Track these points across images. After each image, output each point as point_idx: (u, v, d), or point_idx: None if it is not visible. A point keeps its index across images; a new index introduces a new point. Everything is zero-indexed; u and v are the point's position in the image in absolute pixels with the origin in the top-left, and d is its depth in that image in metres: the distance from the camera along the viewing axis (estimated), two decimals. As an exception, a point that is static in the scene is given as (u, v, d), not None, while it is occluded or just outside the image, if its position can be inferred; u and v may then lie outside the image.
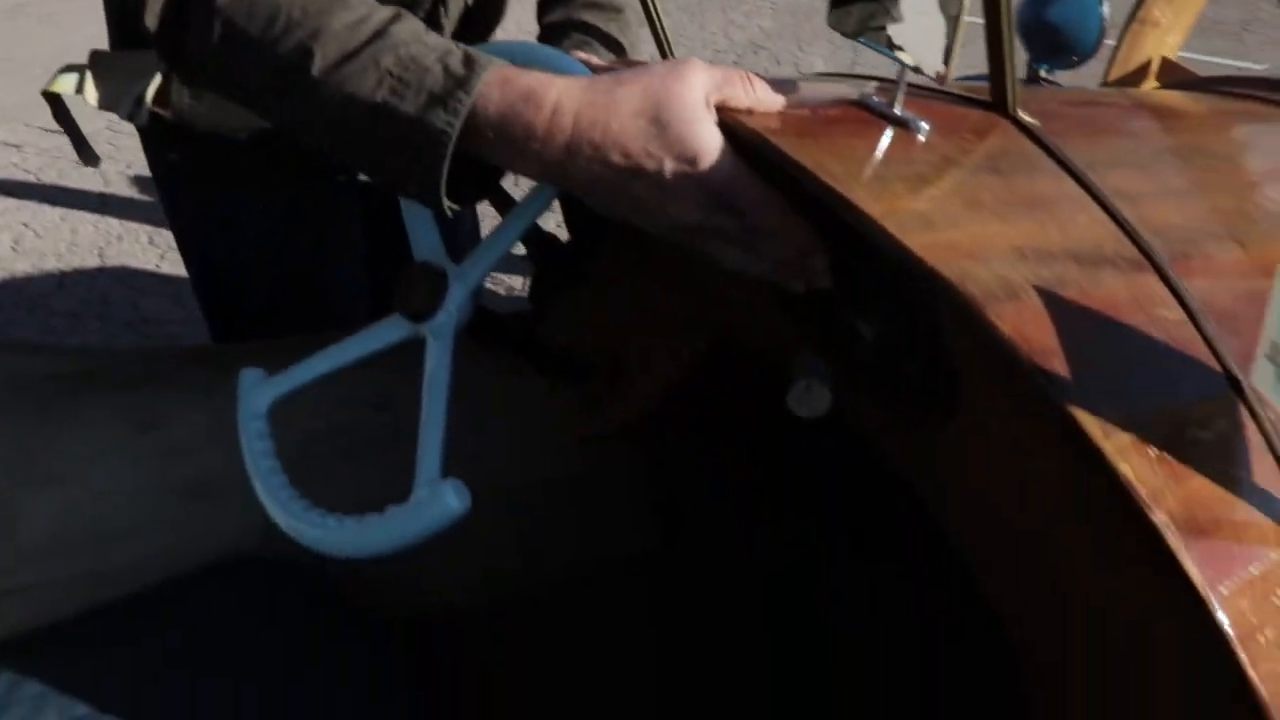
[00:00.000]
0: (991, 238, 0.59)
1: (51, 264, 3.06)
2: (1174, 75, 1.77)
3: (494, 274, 2.89)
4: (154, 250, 3.10)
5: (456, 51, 0.68)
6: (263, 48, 0.71)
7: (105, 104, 1.15)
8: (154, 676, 0.98)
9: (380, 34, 0.68)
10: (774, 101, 0.68)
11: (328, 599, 1.05)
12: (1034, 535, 0.67)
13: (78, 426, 1.08)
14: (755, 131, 0.64)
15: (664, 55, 1.09)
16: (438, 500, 0.73)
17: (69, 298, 2.89)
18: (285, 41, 0.70)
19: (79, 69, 1.15)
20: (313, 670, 1.00)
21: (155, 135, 1.23)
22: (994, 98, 0.77)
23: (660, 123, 0.65)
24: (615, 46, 1.12)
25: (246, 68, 0.73)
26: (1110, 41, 1.91)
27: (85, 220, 3.29)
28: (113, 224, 3.26)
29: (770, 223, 0.68)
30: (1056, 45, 1.98)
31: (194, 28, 0.73)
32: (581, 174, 0.67)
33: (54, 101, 1.16)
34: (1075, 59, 2.01)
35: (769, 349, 0.87)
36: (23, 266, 3.05)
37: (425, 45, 0.68)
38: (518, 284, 2.90)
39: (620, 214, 0.70)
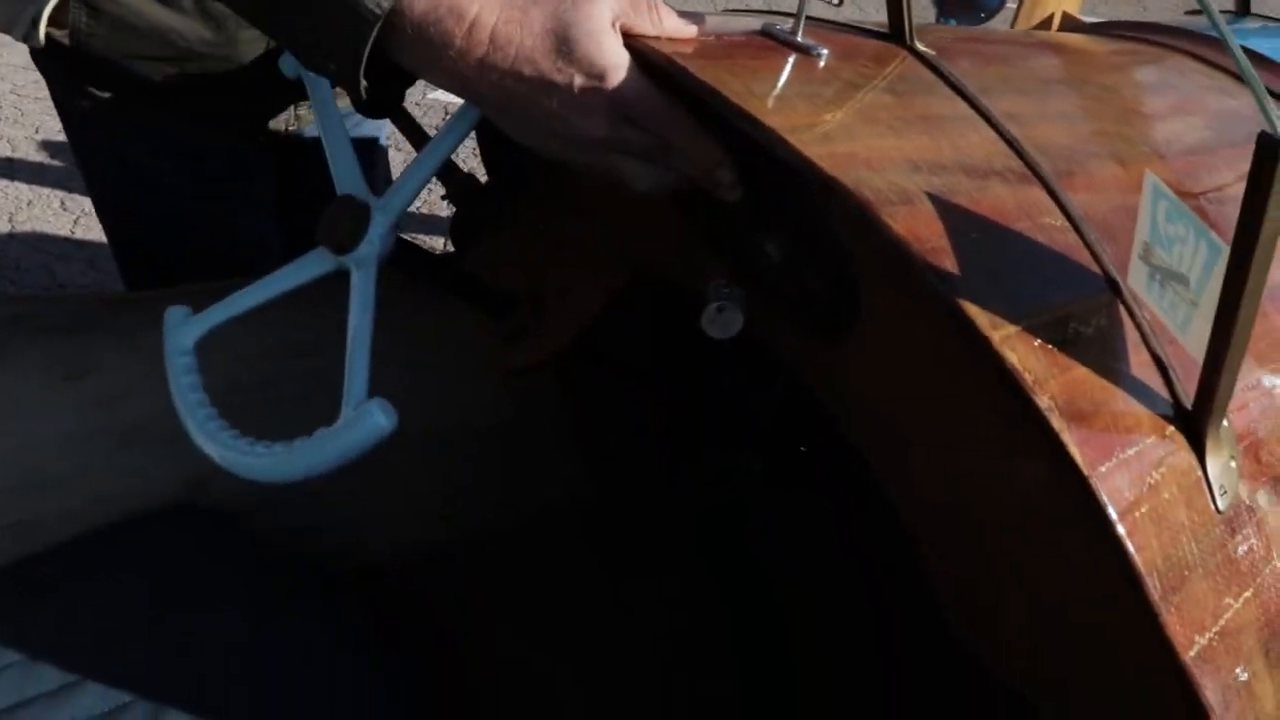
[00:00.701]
0: (887, 150, 0.63)
1: (-41, 231, 2.99)
2: (1074, 27, 1.83)
3: (413, 234, 2.89)
4: (67, 215, 3.04)
5: None
6: None
7: (0, 26, 1.14)
8: (87, 626, 0.96)
9: None
10: (679, 29, 0.71)
11: (262, 550, 1.05)
12: (937, 444, 0.72)
13: (0, 374, 1.07)
14: (661, 53, 0.67)
15: None
16: (365, 418, 0.75)
17: (-20, 265, 2.83)
18: None
19: None
20: (248, 629, 0.99)
21: (52, 63, 1.21)
22: (892, 29, 0.82)
23: (569, 39, 0.68)
24: None
25: None
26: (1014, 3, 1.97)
27: (-7, 186, 3.22)
28: (22, 189, 3.19)
29: (676, 133, 0.71)
30: (962, 1, 2.03)
31: None
32: (493, 90, 0.70)
33: None
34: (983, 15, 2.06)
35: (685, 278, 0.90)
36: (-72, 234, 2.98)
37: None
38: (439, 245, 2.90)
39: (530, 135, 0.73)
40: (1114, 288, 0.63)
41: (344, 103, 1.29)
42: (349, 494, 0.82)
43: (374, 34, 0.68)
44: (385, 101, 0.85)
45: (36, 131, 3.44)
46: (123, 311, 1.13)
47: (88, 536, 1.03)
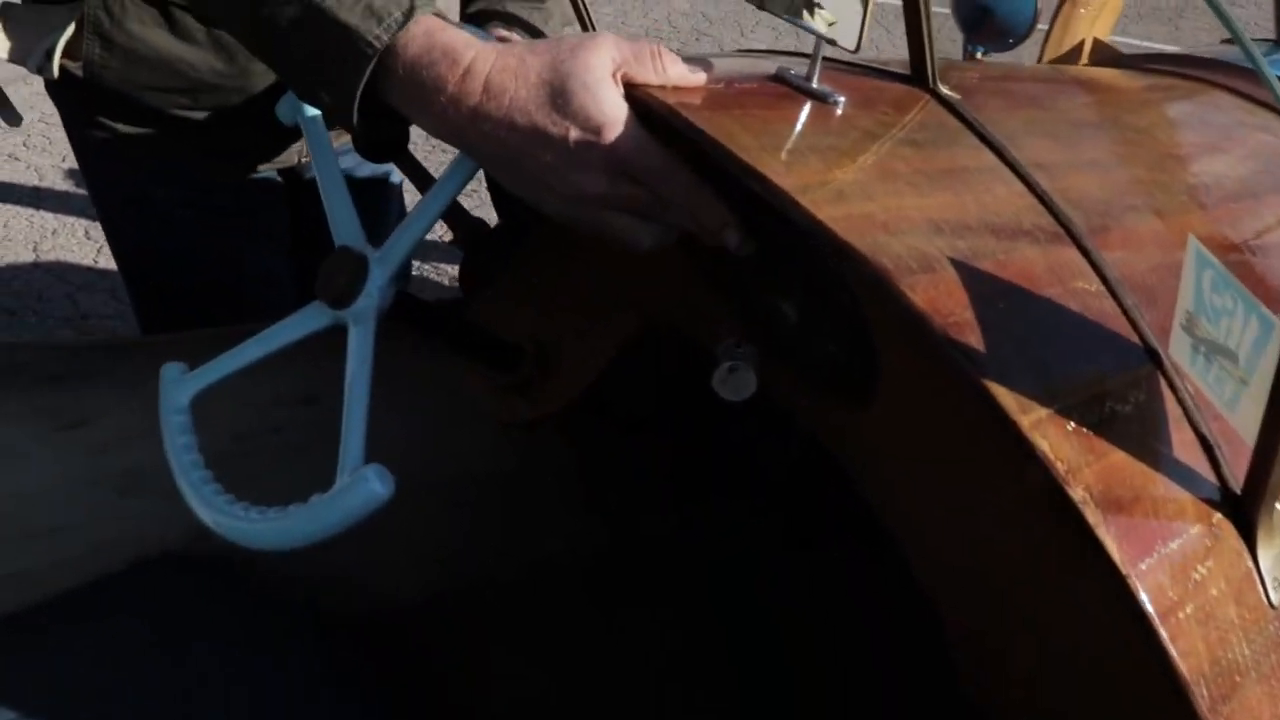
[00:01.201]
0: (907, 210, 0.59)
1: (-16, 260, 2.99)
2: (1106, 56, 1.78)
3: (435, 264, 2.87)
4: (90, 245, 3.04)
5: None
6: None
7: (15, 56, 1.14)
8: (82, 676, 0.94)
9: None
10: (685, 77, 0.67)
11: (261, 597, 1.03)
12: (954, 506, 0.67)
13: (-7, 423, 1.05)
14: (665, 104, 0.63)
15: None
16: (361, 486, 0.71)
17: (4, 294, 2.83)
18: None
19: None
20: (247, 672, 0.98)
21: (65, 93, 1.21)
22: (913, 71, 0.77)
23: (566, 91, 0.64)
24: (536, 36, 1.12)
25: None
26: (1044, 25, 1.92)
27: (19, 214, 3.22)
28: (47, 218, 3.19)
29: (679, 191, 0.67)
30: (990, 28, 1.99)
31: None
32: (485, 140, 0.67)
33: None
34: (1011, 41, 2.02)
35: (695, 332, 0.86)
36: (-47, 263, 2.98)
37: None
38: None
39: (522, 188, 0.70)
40: (1154, 359, 0.58)
41: (346, 140, 1.27)
42: (347, 542, 0.80)
43: (370, 68, 0.66)
44: (383, 141, 0.83)
45: (63, 160, 3.45)
46: (121, 359, 1.11)
47: (84, 587, 1.00)
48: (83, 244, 3.05)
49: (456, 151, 0.74)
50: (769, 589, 1.14)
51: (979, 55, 2.07)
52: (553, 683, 1.10)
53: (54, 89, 1.22)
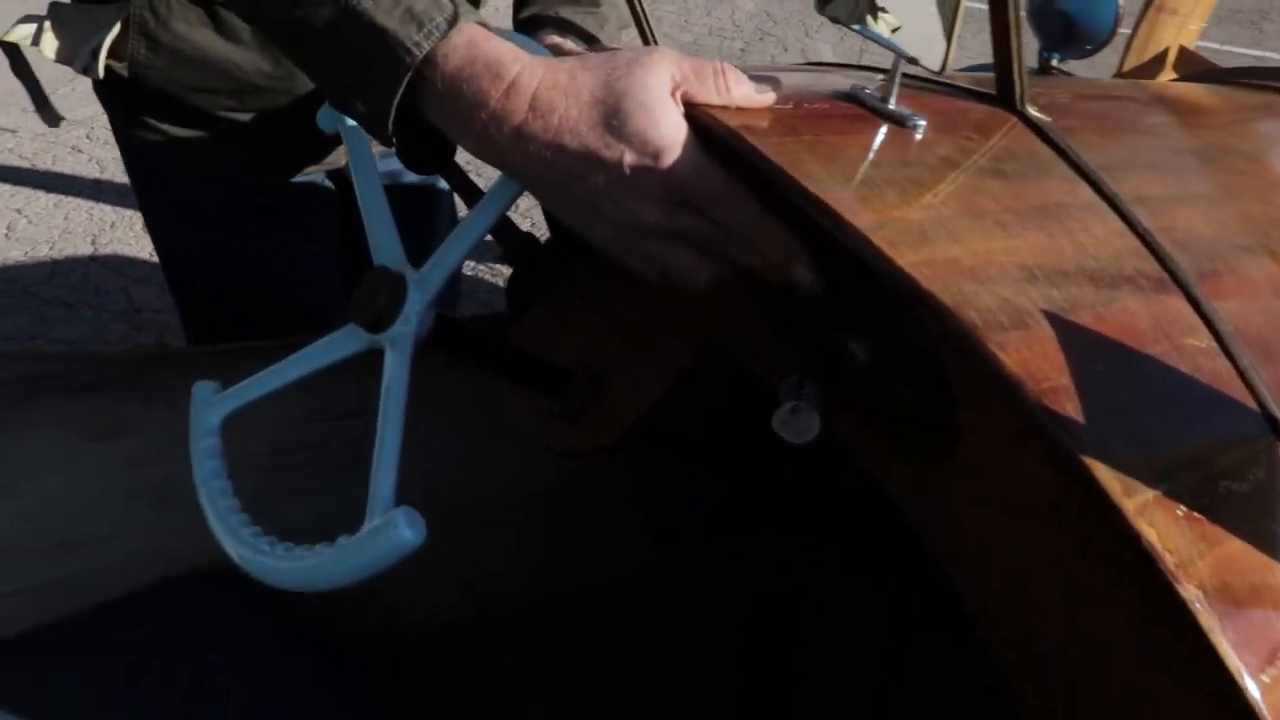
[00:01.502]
0: (996, 254, 0.53)
1: (44, 252, 3.01)
2: (1192, 65, 1.69)
3: (490, 264, 2.83)
4: (147, 238, 3.00)
5: None
6: None
7: (62, 57, 1.13)
8: (101, 697, 0.94)
9: None
10: (750, 97, 0.61)
11: (282, 619, 1.01)
12: (1034, 581, 0.61)
13: (28, 433, 1.04)
14: (727, 126, 0.57)
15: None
16: (389, 532, 0.67)
17: (61, 287, 2.84)
18: None
19: (38, 20, 1.13)
20: (270, 699, 0.95)
21: (112, 94, 1.20)
22: (1000, 91, 0.71)
23: (621, 111, 0.59)
24: (590, 42, 1.06)
25: None
26: (1125, 30, 1.83)
27: (79, 206, 3.24)
28: (106, 211, 3.20)
29: (739, 221, 0.61)
30: (1069, 33, 1.90)
31: None
32: (530, 162, 0.62)
33: (11, 53, 1.14)
34: (1089, 48, 1.93)
35: (754, 365, 0.80)
36: (15, 254, 3.00)
37: None
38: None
39: (570, 215, 0.65)
40: (1274, 427, 0.52)
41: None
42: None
43: (408, 77, 0.62)
44: (423, 154, 0.78)
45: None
46: (157, 370, 1.09)
47: (108, 603, 1.01)
48: (140, 237, 3.06)
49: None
50: (812, 622, 1.10)
51: (1055, 62, 1.99)
52: (581, 712, 1.07)
53: (100, 90, 1.20)
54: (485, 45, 0.62)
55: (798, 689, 1.11)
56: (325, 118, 0.91)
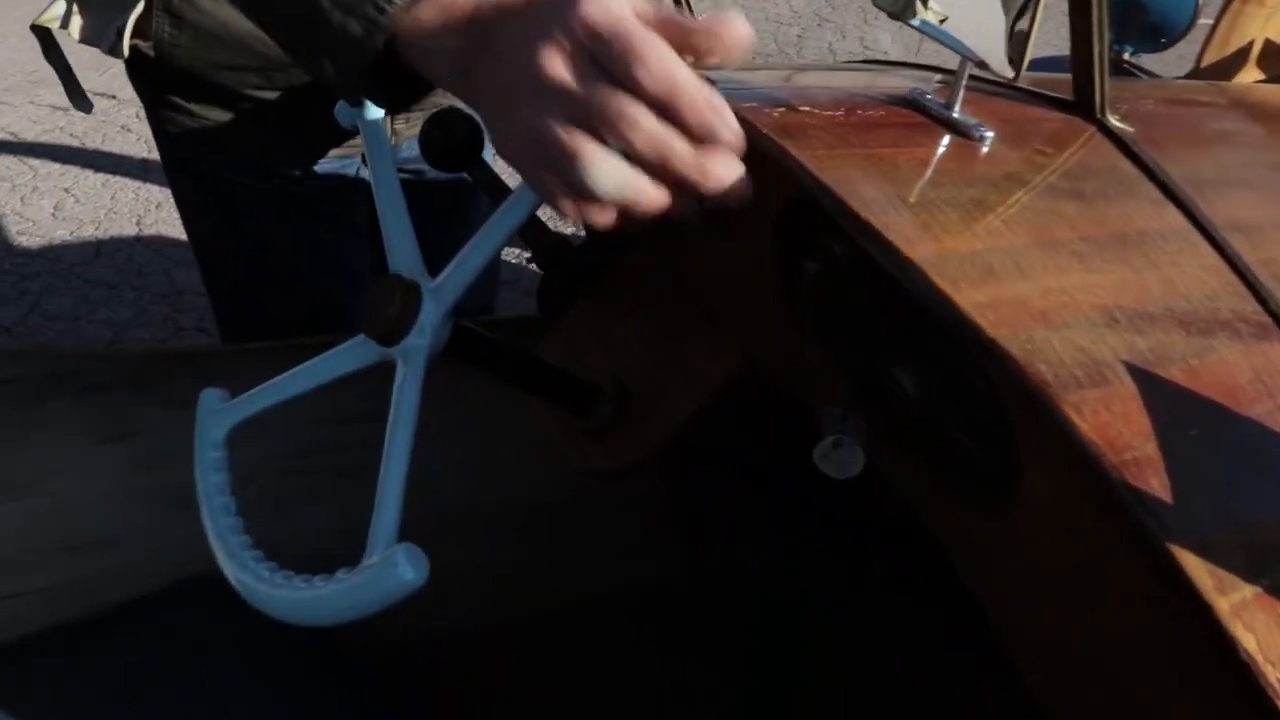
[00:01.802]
0: (1071, 291, 0.46)
1: (90, 232, 3.00)
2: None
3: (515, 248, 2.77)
4: (191, 220, 3.02)
5: None
6: None
7: (85, 37, 1.13)
8: (105, 701, 0.93)
9: None
10: None
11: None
12: (1103, 668, 0.53)
13: (40, 433, 1.01)
14: (773, 141, 0.50)
15: None
16: (388, 572, 0.62)
17: (105, 267, 2.83)
18: None
19: (67, 1, 1.12)
20: (274, 705, 0.92)
21: (139, 74, 1.18)
22: (1077, 96, 0.63)
23: None
24: None
25: None
26: (1206, 20, 1.73)
27: (126, 186, 3.24)
28: (153, 191, 3.19)
29: (646, 87, 0.48)
30: (1144, 24, 1.80)
31: None
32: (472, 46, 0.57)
33: (43, 36, 1.13)
34: (1164, 40, 1.83)
35: (793, 388, 0.74)
36: (61, 234, 2.99)
37: None
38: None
39: (484, 103, 0.58)
40: None
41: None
42: None
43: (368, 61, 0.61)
44: (453, 146, 0.79)
45: (174, 131, 3.45)
46: (173, 369, 1.05)
47: (112, 609, 0.99)
48: (185, 218, 3.04)
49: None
50: (818, 626, 1.07)
51: (1127, 55, 1.89)
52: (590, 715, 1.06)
53: (130, 71, 1.18)
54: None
55: (803, 693, 1.08)
56: (343, 111, 0.86)
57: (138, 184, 3.24)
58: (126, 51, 1.09)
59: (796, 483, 0.95)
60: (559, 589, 1.11)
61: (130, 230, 2.99)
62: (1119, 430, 0.40)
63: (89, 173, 3.33)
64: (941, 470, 0.62)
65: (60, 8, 1.12)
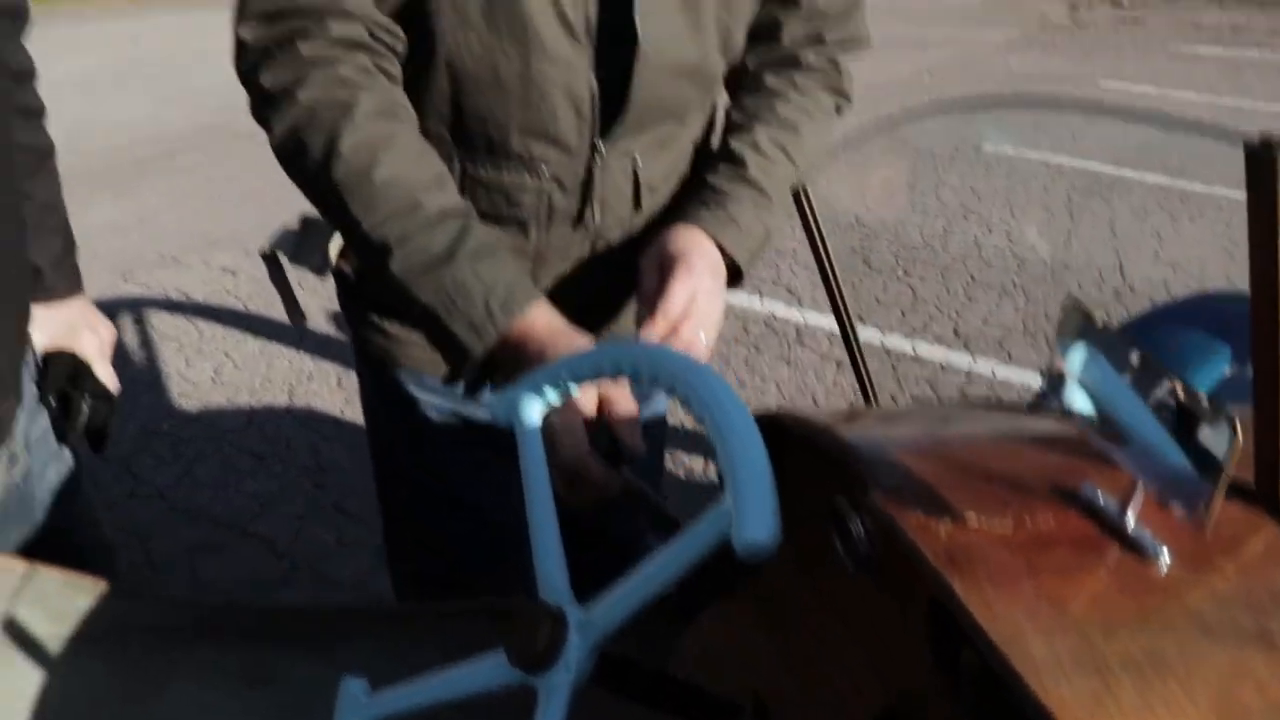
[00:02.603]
0: None
1: (244, 399, 3.12)
2: None
3: (674, 450, 2.76)
4: (340, 393, 3.13)
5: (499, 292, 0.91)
6: (318, 177, 0.94)
7: (296, 258, 1.22)
8: None
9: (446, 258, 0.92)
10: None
11: None
12: None
13: (182, 679, 1.03)
14: (939, 574, 0.49)
15: (865, 391, 0.97)
16: None
17: (255, 436, 2.93)
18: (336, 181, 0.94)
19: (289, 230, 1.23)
20: None
21: (343, 293, 1.26)
22: (1258, 481, 0.60)
23: None
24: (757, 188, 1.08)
25: (307, 180, 0.97)
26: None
27: (281, 354, 3.37)
28: (306, 361, 3.32)
29: None
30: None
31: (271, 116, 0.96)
32: None
33: (270, 262, 1.22)
34: None
35: None
36: (217, 399, 3.12)
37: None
38: (698, 466, 2.77)
39: None
40: None
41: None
42: None
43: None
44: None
45: (329, 301, 3.60)
46: (312, 624, 1.06)
47: None
48: (333, 392, 3.15)
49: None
50: None
51: None
52: None
53: (338, 288, 1.26)
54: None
55: None
56: (500, 407, 0.84)
57: (292, 352, 3.37)
58: (331, 273, 1.18)
59: None
60: None
61: (282, 400, 3.10)
62: None
63: (249, 337, 3.49)
64: None
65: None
